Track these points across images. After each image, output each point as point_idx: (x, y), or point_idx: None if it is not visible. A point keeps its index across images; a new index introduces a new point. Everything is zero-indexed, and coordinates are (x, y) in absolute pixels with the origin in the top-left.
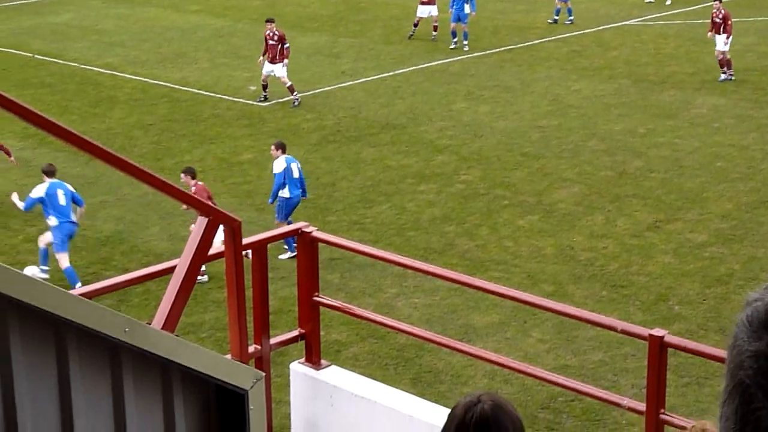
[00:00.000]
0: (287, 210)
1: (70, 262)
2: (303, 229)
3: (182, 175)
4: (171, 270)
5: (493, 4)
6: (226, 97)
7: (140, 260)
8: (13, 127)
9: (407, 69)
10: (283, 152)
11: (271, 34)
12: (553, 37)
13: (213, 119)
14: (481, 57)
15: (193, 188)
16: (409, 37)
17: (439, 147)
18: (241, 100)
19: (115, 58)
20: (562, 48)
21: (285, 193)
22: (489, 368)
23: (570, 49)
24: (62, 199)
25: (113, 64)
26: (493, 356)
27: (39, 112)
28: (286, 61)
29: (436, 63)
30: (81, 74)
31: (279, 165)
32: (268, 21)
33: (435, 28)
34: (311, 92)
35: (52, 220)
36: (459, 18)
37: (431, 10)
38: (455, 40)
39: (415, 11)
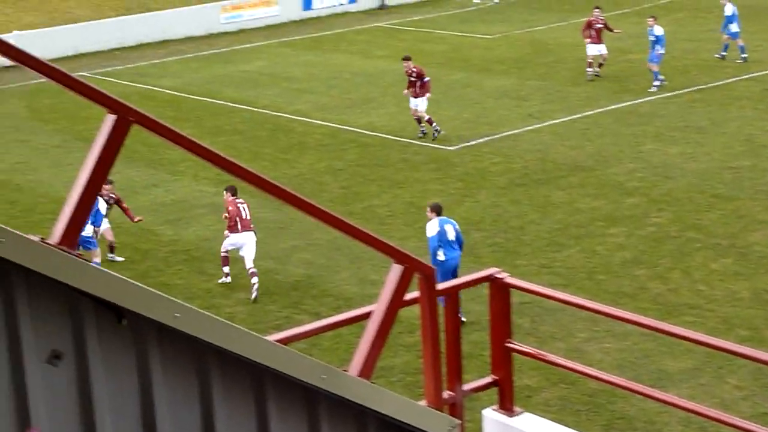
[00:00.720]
0: (443, 273)
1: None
2: (495, 275)
3: (224, 192)
4: (365, 316)
5: (682, 44)
6: (414, 142)
7: (331, 304)
8: (207, 174)
9: (595, 111)
10: (438, 215)
11: (409, 71)
12: (745, 76)
13: (401, 163)
14: (670, 97)
15: (229, 206)
16: (589, 80)
17: (628, 189)
18: (428, 144)
19: (305, 105)
20: (754, 87)
21: (440, 256)
22: (683, 415)
23: (763, 88)
24: None
25: (303, 111)
26: (688, 403)
27: (231, 159)
28: (428, 95)
29: (624, 104)
30: (272, 121)
31: (432, 228)
32: (404, 59)
33: (601, 66)
34: (498, 135)
35: None
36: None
37: (600, 49)
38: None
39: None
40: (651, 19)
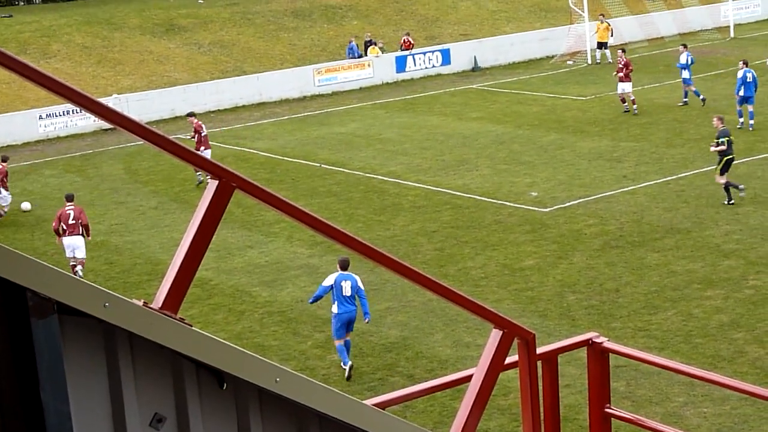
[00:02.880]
0: (336, 325)
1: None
2: (593, 340)
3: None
4: (464, 381)
5: None
6: (508, 203)
7: (425, 366)
8: (301, 235)
9: (691, 172)
10: (342, 269)
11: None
12: None
13: (495, 225)
14: (767, 158)
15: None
16: (625, 111)
17: (725, 251)
18: (522, 206)
19: (399, 166)
20: None
21: (334, 308)
22: None
23: None
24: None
25: (397, 172)
26: None
27: (326, 220)
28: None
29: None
30: (366, 182)
31: (328, 281)
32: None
33: (633, 102)
34: (593, 197)
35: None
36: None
37: (624, 87)
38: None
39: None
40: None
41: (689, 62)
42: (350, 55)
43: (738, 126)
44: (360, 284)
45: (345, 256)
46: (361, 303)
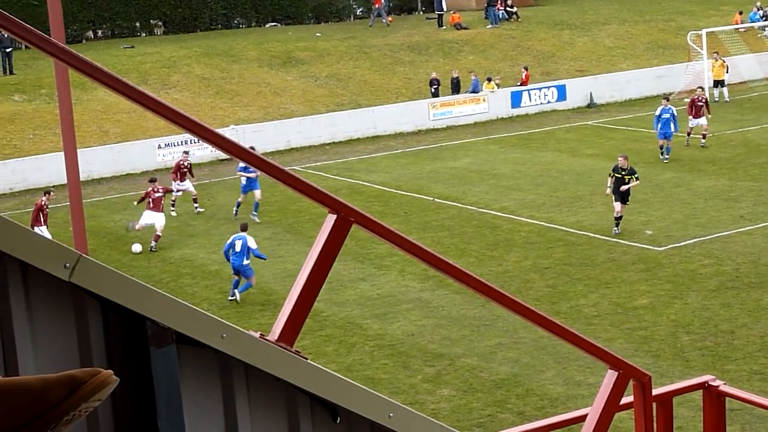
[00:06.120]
0: (234, 271)
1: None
2: (710, 382)
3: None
4: (577, 420)
5: None
6: (622, 242)
7: (535, 404)
8: (413, 269)
9: None
10: (241, 231)
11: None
12: None
13: (608, 263)
14: None
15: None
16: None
17: None
18: (636, 244)
19: (512, 202)
20: None
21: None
22: None
23: None
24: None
25: (510, 208)
26: None
27: (438, 255)
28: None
29: None
30: (479, 217)
31: (230, 240)
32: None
33: (704, 137)
34: (709, 237)
35: None
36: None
37: (699, 121)
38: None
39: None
40: None
41: None
42: (470, 90)
43: None
44: (250, 244)
45: (244, 222)
46: (256, 255)
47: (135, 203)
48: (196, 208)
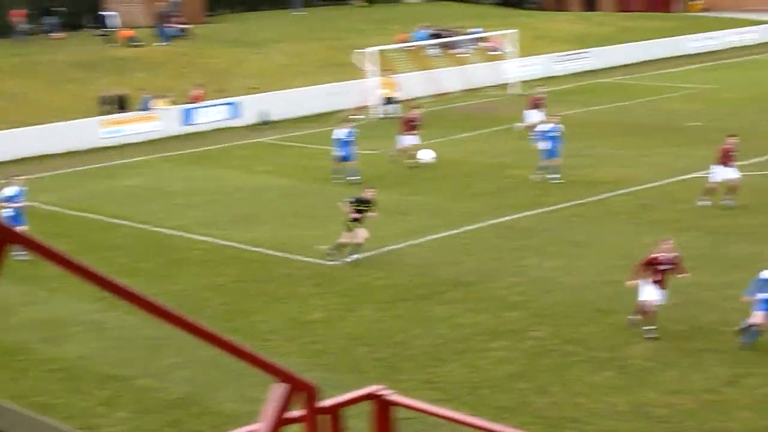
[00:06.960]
0: None
1: None
2: (377, 393)
3: None
4: None
5: (565, 160)
6: (296, 257)
7: (211, 422)
8: (85, 291)
9: (476, 225)
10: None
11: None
12: (622, 191)
13: (283, 278)
14: (551, 212)
15: None
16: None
17: (510, 303)
18: (310, 259)
19: (187, 220)
20: (631, 201)
21: None
22: None
23: (639, 203)
24: None
25: (184, 226)
26: None
27: (107, 277)
28: None
29: (505, 219)
30: (152, 236)
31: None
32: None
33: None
34: (383, 250)
35: None
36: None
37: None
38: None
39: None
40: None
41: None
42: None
43: None
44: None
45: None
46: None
47: None
48: None
